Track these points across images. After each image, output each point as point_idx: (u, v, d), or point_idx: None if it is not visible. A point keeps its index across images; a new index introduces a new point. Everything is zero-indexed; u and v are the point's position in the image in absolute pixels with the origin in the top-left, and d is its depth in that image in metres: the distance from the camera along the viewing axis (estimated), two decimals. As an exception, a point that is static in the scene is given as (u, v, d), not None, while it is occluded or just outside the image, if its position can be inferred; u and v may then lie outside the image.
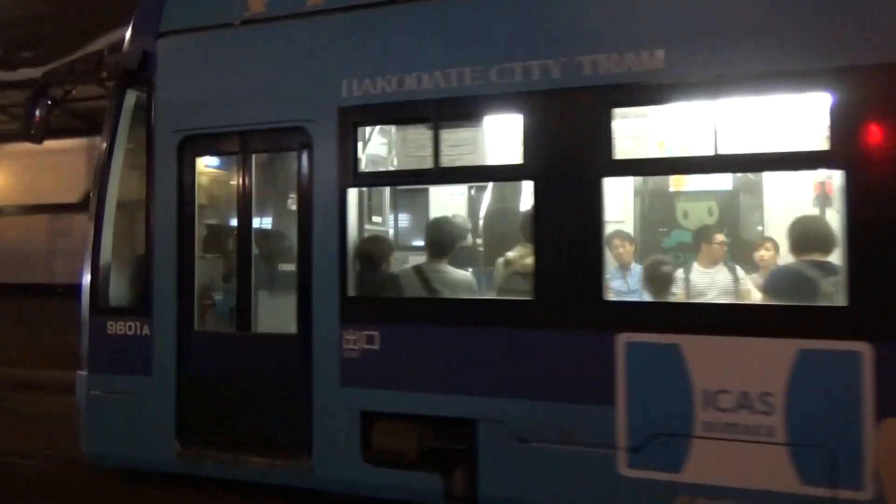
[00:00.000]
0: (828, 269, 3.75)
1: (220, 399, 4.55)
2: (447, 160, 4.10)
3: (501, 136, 4.53)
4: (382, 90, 4.16)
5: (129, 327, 4.74)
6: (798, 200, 5.25)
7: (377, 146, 4.61)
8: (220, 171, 5.18)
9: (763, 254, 5.11)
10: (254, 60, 4.53)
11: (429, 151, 4.15)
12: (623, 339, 3.66)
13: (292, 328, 4.47)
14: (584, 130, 3.75)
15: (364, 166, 4.33)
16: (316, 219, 4.30)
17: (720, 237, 5.20)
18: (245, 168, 4.60)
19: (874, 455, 3.28)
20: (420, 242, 5.28)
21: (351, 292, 4.23)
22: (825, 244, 3.81)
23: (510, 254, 4.38)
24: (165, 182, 4.67)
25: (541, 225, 3.85)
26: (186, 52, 4.72)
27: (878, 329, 3.27)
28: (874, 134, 3.25)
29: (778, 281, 3.90)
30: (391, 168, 4.76)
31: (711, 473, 3.51)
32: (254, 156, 4.60)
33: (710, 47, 3.55)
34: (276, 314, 4.72)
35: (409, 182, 5.00)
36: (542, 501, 3.81)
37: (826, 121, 3.38)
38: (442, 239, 4.49)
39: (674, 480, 3.57)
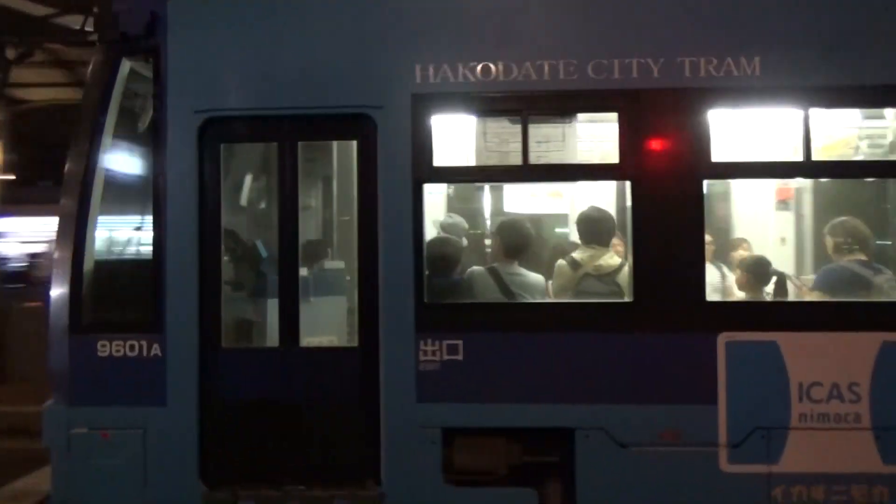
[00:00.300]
0: (874, 267, 4.16)
1: (257, 426, 3.90)
2: (535, 157, 3.89)
3: (591, 134, 4.40)
4: (465, 78, 3.84)
5: (132, 347, 3.88)
6: (762, 205, 5.80)
7: (450, 138, 4.23)
8: (250, 161, 4.44)
9: (742, 253, 5.54)
10: (301, 32, 3.93)
11: (513, 147, 3.92)
12: (724, 339, 3.74)
13: (348, 339, 3.97)
14: (683, 132, 3.78)
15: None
16: (384, 217, 3.84)
17: (708, 237, 5.55)
18: (287, 158, 3.98)
19: None
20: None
21: (427, 298, 3.85)
22: (867, 245, 4.22)
23: (577, 255, 4.28)
24: (181, 171, 3.89)
25: (639, 227, 3.80)
26: (206, 18, 3.97)
27: None
28: None
29: (834, 279, 4.25)
30: (466, 163, 4.39)
31: (805, 462, 3.72)
32: (299, 144, 3.99)
33: (800, 57, 3.75)
34: (325, 324, 4.15)
35: (494, 179, 4.66)
36: (643, 501, 3.77)
37: None
38: (517, 240, 4.24)
39: (772, 472, 3.72)
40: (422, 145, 3.84)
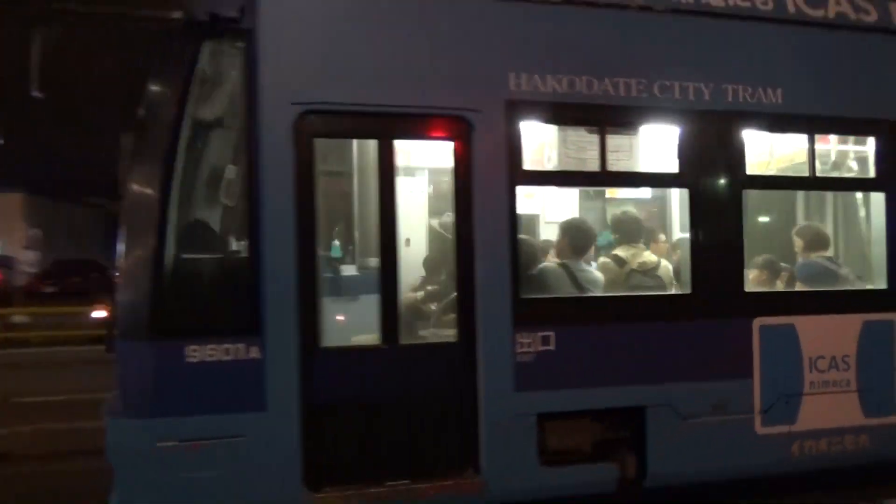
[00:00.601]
0: (836, 262, 5.18)
1: (359, 426, 3.87)
2: (611, 164, 4.30)
3: (654, 146, 4.86)
4: (553, 89, 4.14)
5: (228, 351, 3.63)
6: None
7: (537, 144, 4.44)
8: (342, 157, 4.27)
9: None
10: (402, 30, 3.95)
11: (592, 154, 4.30)
12: (758, 323, 4.47)
13: (447, 335, 4.08)
14: (726, 148, 4.44)
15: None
16: (480, 217, 4.02)
17: (662, 236, 6.39)
18: (385, 156, 3.97)
19: None
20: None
21: (522, 294, 4.09)
22: (828, 244, 5.23)
23: (620, 253, 4.77)
24: (276, 166, 3.71)
25: (695, 228, 4.39)
26: (303, 4, 3.83)
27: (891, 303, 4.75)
28: None
29: (813, 272, 5.17)
30: (551, 168, 4.61)
31: (814, 421, 4.58)
32: (395, 143, 4.01)
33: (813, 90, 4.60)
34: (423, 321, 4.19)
35: (576, 183, 4.89)
36: (698, 469, 4.37)
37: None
38: (583, 239, 4.62)
39: (791, 431, 4.53)
40: (513, 149, 4.07)
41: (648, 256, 4.79)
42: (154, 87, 3.74)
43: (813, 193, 5.46)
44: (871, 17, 4.87)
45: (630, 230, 4.86)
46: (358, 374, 3.89)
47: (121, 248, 3.71)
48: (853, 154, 5.16)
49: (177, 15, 3.64)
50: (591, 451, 4.23)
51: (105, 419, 3.68)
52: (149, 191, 3.60)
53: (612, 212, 6.72)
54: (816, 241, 5.25)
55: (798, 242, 5.32)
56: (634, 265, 4.72)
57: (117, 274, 3.98)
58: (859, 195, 5.22)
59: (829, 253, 5.24)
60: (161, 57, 3.75)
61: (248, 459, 3.63)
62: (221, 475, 3.60)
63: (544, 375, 4.07)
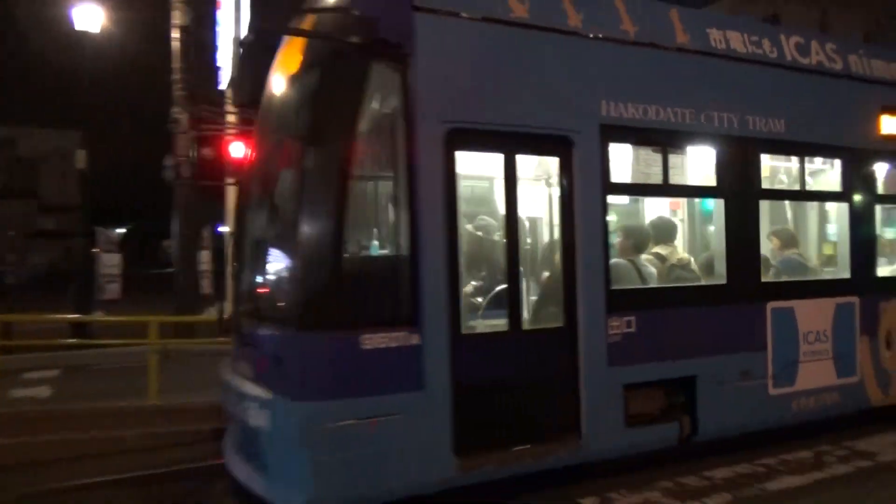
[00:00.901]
0: (804, 257, 6.51)
1: (492, 401, 4.50)
2: (672, 178, 5.26)
3: (697, 163, 5.82)
4: (633, 115, 5.01)
5: (395, 339, 4.13)
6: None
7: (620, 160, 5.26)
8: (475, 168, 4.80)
9: None
10: (522, 62, 4.63)
11: (654, 170, 5.23)
12: (771, 306, 5.62)
13: (555, 321, 4.80)
14: (747, 167, 5.55)
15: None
16: (579, 220, 4.79)
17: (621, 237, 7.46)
18: (509, 168, 4.63)
19: (859, 357, 6.14)
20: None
21: (612, 286, 4.93)
22: (797, 243, 6.55)
23: (660, 251, 5.73)
24: (429, 175, 4.24)
25: (729, 231, 5.45)
26: (450, 36, 4.39)
27: (861, 289, 6.13)
28: None
29: (792, 265, 6.42)
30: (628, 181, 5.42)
31: (806, 382, 5.81)
32: (517, 157, 4.67)
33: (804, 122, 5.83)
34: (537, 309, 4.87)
35: (647, 194, 5.66)
36: (731, 425, 5.44)
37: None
38: (643, 238, 5.53)
39: (791, 391, 5.73)
40: (606, 164, 4.90)
41: (683, 254, 5.80)
42: (324, 103, 4.13)
43: (796, 204, 6.74)
44: (838, 66, 6.22)
45: (667, 232, 5.84)
46: (492, 356, 4.52)
47: (293, 252, 4.07)
48: (829, 172, 6.49)
49: (351, 39, 4.07)
50: (658, 414, 5.15)
51: (262, 403, 4.05)
52: (328, 202, 4.01)
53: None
54: (790, 241, 6.53)
55: (775, 242, 6.57)
56: (673, 261, 5.70)
57: (269, 276, 4.31)
58: (830, 206, 6.57)
59: (799, 250, 6.56)
60: (330, 76, 4.15)
61: (408, 433, 4.15)
62: (385, 448, 4.10)
63: (628, 353, 4.93)
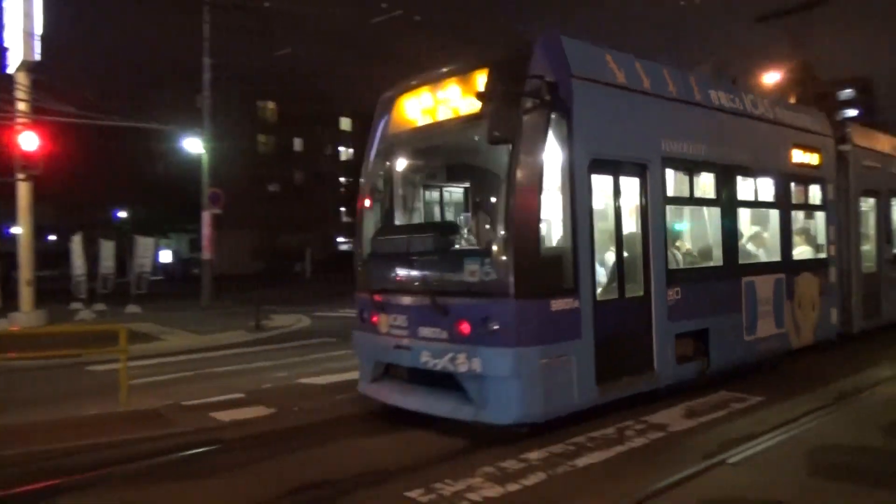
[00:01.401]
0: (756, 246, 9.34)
1: (611, 347, 6.54)
2: (696, 192, 7.74)
3: (708, 182, 8.21)
4: (678, 150, 7.34)
5: (566, 303, 6.07)
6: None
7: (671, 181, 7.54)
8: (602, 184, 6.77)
9: None
10: (624, 116, 6.81)
11: (687, 186, 7.62)
12: (744, 281, 8.28)
13: (639, 292, 6.97)
14: (731, 184, 8.17)
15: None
16: (650, 222, 7.03)
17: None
18: (616, 184, 6.73)
19: (786, 315, 9.04)
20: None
21: (671, 266, 7.23)
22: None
23: (677, 244, 8.12)
24: (583, 189, 6.24)
25: (724, 228, 8.03)
26: (592, 96, 6.42)
27: (785, 269, 9.04)
28: None
29: (743, 251, 9.18)
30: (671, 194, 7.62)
31: (761, 332, 8.57)
32: (619, 177, 6.78)
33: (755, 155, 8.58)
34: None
35: (681, 203, 7.89)
36: (727, 361, 8.00)
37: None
38: (675, 235, 7.87)
39: (755, 338, 8.45)
40: (665, 184, 7.18)
41: (686, 245, 8.27)
42: (515, 134, 5.86)
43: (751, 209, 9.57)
44: (771, 115, 9.09)
45: (675, 234, 8.27)
46: (610, 316, 6.58)
47: (509, 249, 5.83)
48: (767, 189, 9.35)
49: (542, 97, 5.93)
50: (691, 355, 7.55)
51: (475, 352, 5.88)
52: (533, 211, 5.88)
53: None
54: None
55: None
56: (684, 250, 8.14)
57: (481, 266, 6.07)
58: (769, 211, 9.41)
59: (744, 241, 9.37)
60: (515, 119, 5.90)
61: (573, 369, 6.11)
62: (562, 380, 6.04)
63: (676, 313, 7.24)
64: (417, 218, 7.93)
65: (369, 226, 7.55)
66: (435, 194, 8.45)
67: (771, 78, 26.41)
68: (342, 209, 65.98)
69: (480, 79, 6.31)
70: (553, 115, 6.08)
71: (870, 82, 73.08)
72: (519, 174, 5.88)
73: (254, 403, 7.82)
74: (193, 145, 22.39)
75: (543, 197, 5.98)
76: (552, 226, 6.39)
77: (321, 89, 57.59)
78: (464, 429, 6.27)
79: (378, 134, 7.52)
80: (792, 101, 26.76)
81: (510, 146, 5.91)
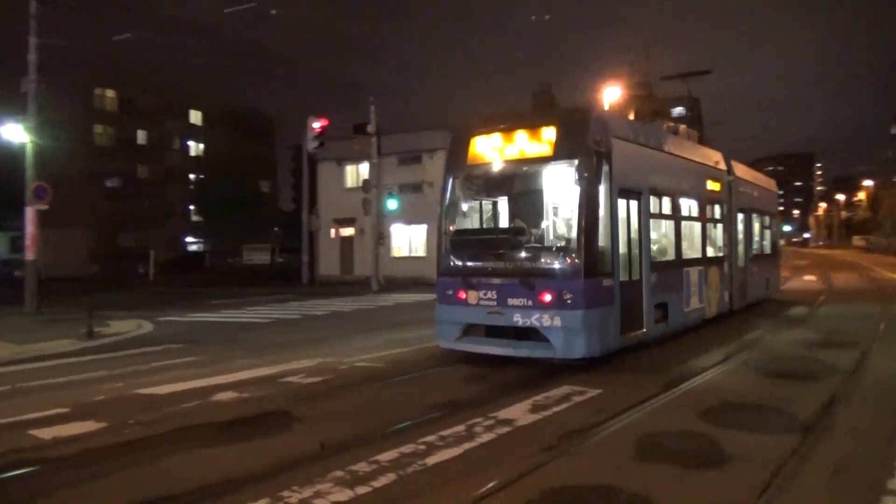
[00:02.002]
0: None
1: (626, 310, 9.83)
2: (663, 210, 11.56)
3: (667, 203, 11.84)
4: (660, 186, 11.13)
5: (607, 281, 9.40)
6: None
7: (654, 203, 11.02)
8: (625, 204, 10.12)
9: None
10: (635, 158, 10.42)
11: (658, 206, 11.28)
12: (684, 270, 12.19)
13: (637, 276, 10.47)
14: (679, 206, 12.27)
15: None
16: (642, 229, 10.60)
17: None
18: (628, 204, 10.16)
19: (703, 293, 13.07)
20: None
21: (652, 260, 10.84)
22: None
23: (654, 244, 11.29)
24: (614, 209, 9.61)
25: (676, 233, 11.94)
26: (620, 148, 9.79)
27: (703, 262, 13.05)
28: None
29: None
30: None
31: (693, 305, 12.55)
32: (630, 200, 10.22)
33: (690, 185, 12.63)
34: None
35: (656, 217, 11.29)
36: (679, 325, 11.79)
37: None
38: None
39: (689, 310, 12.36)
40: (649, 205, 10.87)
41: (657, 245, 11.62)
42: (577, 175, 9.19)
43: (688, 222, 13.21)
44: (697, 158, 13.31)
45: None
46: (626, 291, 9.89)
47: (580, 247, 9.07)
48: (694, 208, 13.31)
49: (596, 149, 9.39)
50: (660, 320, 11.09)
51: (556, 314, 8.94)
52: (593, 221, 9.17)
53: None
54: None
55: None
56: (656, 248, 11.48)
57: (559, 257, 9.48)
58: (694, 224, 13.25)
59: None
60: (587, 166, 9.24)
61: (610, 322, 9.46)
62: (604, 329, 9.32)
63: (655, 290, 10.78)
64: (487, 225, 11.04)
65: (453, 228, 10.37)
66: (501, 206, 11.30)
67: (612, 93, 28.62)
68: (191, 207, 62.07)
69: (547, 131, 9.52)
70: (604, 161, 9.44)
71: (697, 102, 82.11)
72: (585, 198, 9.13)
73: (82, 418, 7.03)
74: (14, 133, 20.07)
75: (599, 213, 9.28)
76: (600, 231, 9.52)
77: (170, 80, 54.28)
78: (307, 430, 6.44)
79: (455, 163, 10.42)
80: (631, 116, 30.22)
81: (577, 178, 9.16)
